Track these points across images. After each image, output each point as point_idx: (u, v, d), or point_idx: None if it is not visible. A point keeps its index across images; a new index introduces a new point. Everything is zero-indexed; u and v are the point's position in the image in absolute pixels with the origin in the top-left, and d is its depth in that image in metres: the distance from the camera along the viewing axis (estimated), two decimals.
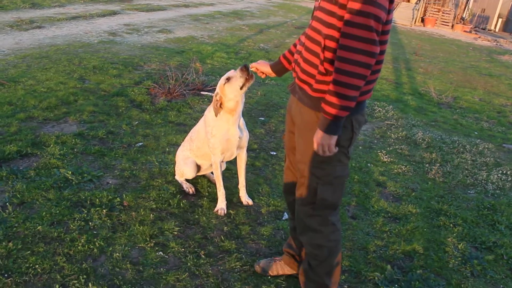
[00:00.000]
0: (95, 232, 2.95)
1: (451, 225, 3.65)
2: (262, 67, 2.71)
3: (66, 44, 7.94)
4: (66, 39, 8.33)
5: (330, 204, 2.25)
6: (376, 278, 2.81)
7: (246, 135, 3.41)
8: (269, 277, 2.75)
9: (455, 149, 5.46)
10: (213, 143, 3.30)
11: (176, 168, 3.71)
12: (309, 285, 2.44)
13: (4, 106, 4.85)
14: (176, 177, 3.71)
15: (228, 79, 3.06)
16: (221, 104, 3.14)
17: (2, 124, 4.40)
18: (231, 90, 3.08)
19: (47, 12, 10.76)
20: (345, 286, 2.76)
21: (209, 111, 3.34)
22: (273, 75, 2.68)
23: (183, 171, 3.62)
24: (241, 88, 3.05)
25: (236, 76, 3.02)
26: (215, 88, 6.53)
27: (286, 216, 3.44)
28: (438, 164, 4.89)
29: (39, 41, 7.97)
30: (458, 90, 9.16)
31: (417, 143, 5.55)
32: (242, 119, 3.35)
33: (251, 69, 2.82)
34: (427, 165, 4.87)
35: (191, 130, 3.65)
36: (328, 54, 1.99)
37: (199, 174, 3.76)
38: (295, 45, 2.47)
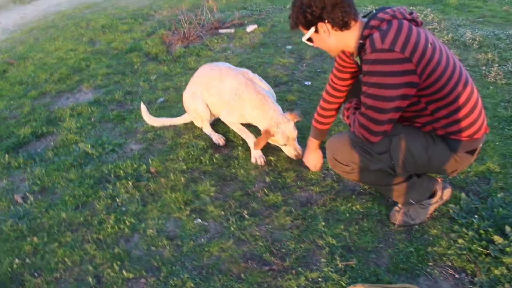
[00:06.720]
0: (123, 208, 2.65)
1: None
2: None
3: (72, 8, 7.50)
4: (71, 3, 7.89)
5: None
6: (451, 210, 2.36)
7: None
8: (328, 229, 2.37)
9: None
10: (236, 117, 3.03)
11: (190, 115, 3.35)
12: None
13: (15, 87, 4.56)
14: (203, 128, 3.33)
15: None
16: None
17: (15, 106, 4.12)
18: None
19: None
20: (416, 226, 2.34)
21: (249, 92, 2.96)
22: None
23: (197, 109, 3.23)
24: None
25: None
26: (234, 24, 6.12)
27: None
28: (497, 65, 4.24)
29: (44, 11, 7.58)
30: None
31: (467, 44, 4.86)
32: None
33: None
34: (483, 67, 4.24)
35: (207, 77, 3.19)
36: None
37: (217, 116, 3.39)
38: None
